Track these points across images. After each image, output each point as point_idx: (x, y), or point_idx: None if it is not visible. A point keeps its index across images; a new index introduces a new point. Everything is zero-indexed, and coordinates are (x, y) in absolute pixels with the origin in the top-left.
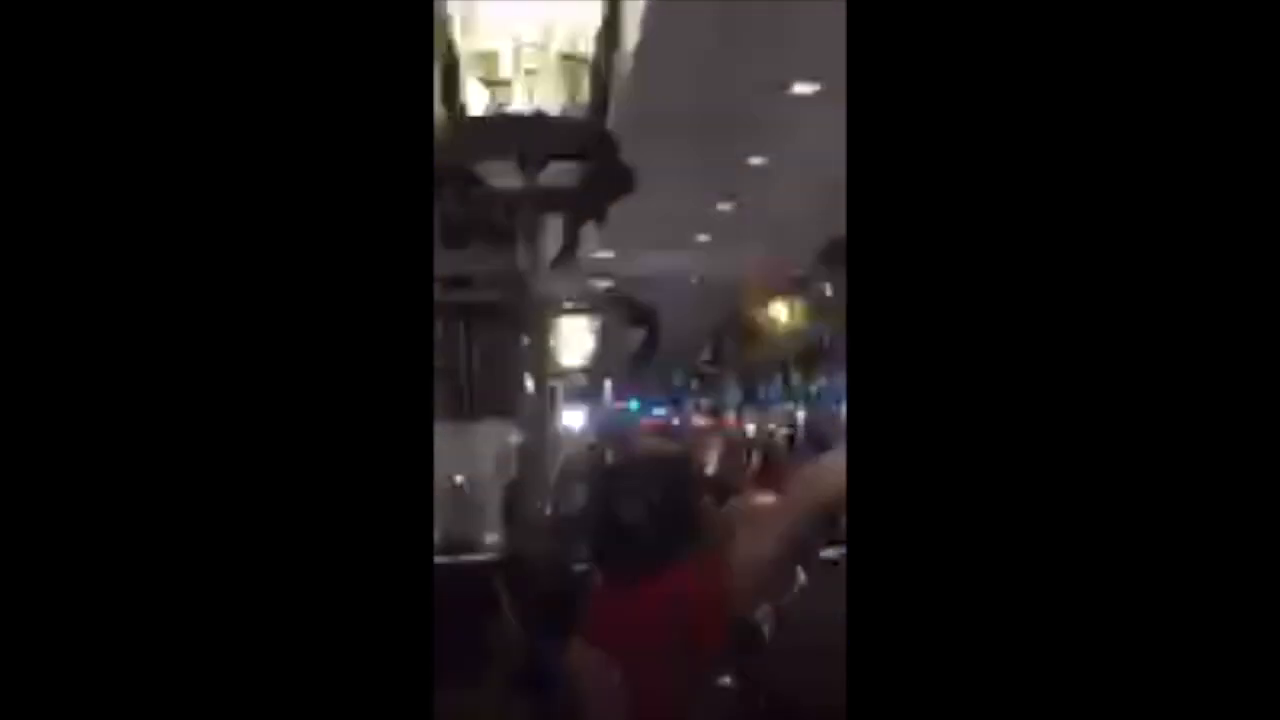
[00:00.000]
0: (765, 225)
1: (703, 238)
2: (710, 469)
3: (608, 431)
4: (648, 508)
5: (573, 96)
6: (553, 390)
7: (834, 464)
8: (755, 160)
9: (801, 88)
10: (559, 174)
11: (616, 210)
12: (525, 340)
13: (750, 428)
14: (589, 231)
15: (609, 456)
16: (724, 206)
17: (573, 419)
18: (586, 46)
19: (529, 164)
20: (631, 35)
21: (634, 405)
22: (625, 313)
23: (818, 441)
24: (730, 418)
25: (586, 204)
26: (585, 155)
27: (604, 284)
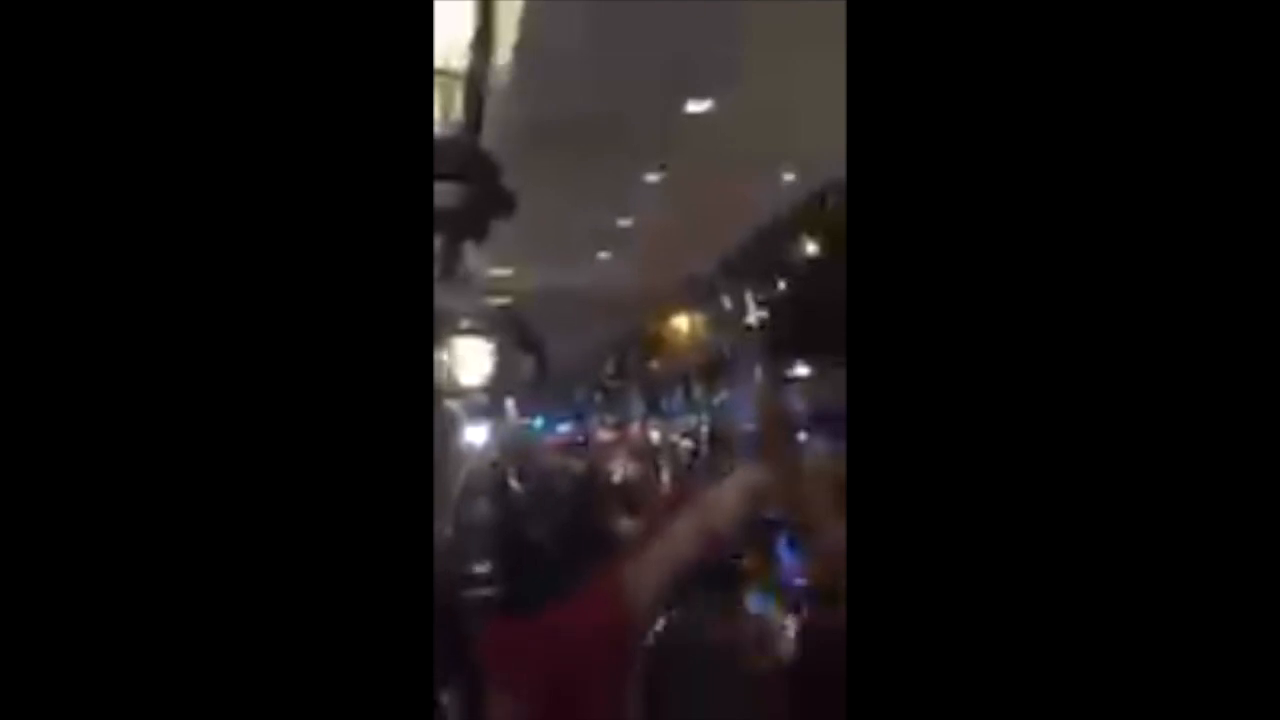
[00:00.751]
0: (664, 241)
1: (603, 254)
2: (617, 477)
3: (510, 448)
4: (554, 528)
5: (446, 114)
6: (453, 408)
7: (734, 488)
8: (651, 178)
9: (694, 106)
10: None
11: (514, 226)
12: None
13: (655, 434)
14: (486, 248)
15: (511, 473)
16: (623, 223)
17: (475, 435)
18: (459, 62)
19: None
20: (508, 39)
21: (538, 422)
22: (514, 339)
23: (718, 461)
24: (634, 428)
25: (465, 224)
26: (460, 175)
27: (501, 301)
